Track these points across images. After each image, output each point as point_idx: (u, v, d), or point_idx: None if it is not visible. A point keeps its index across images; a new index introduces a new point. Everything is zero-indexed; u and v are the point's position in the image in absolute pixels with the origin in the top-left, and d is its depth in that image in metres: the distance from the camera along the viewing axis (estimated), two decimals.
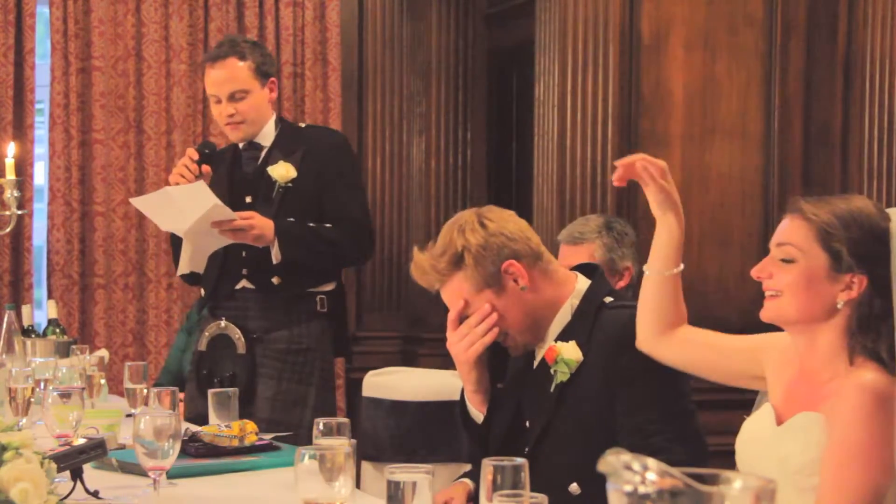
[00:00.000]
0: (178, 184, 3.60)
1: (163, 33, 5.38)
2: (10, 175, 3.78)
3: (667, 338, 2.35)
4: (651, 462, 1.02)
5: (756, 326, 2.26)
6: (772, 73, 4.22)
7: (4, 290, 5.18)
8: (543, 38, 4.28)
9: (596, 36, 4.12)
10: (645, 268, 2.37)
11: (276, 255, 3.64)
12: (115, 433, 2.75)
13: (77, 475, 2.22)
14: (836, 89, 4.23)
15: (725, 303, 4.10)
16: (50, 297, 5.17)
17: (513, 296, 2.51)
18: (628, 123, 4.14)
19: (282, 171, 3.72)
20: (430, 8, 5.46)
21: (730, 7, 4.19)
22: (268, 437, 2.88)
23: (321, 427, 2.36)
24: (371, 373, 4.11)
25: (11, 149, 3.85)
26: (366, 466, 3.96)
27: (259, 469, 2.63)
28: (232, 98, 3.76)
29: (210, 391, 2.98)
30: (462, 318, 2.53)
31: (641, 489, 1.01)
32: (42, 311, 5.20)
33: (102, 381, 3.39)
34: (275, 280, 3.71)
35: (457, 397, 2.70)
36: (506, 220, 2.54)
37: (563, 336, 2.50)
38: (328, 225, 3.71)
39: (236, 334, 3.75)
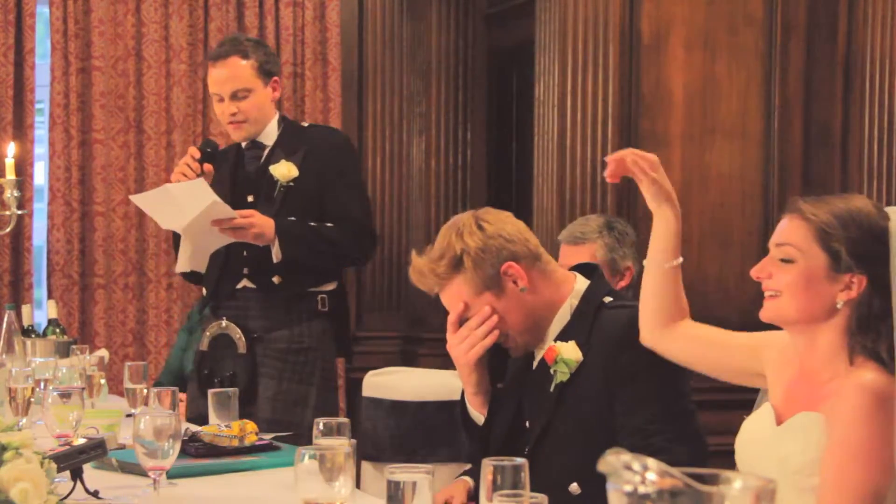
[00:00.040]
0: (178, 182, 3.60)
1: (163, 33, 5.38)
2: (10, 175, 3.78)
3: (669, 331, 2.35)
4: (651, 462, 1.02)
5: (756, 326, 2.26)
6: (772, 73, 4.22)
7: (4, 290, 5.17)
8: (543, 38, 4.28)
9: (596, 36, 4.12)
10: (644, 262, 2.37)
11: (276, 254, 3.64)
12: (115, 433, 2.75)
13: (77, 475, 2.22)
14: (836, 89, 4.23)
15: (725, 303, 4.09)
16: (50, 297, 5.17)
17: (512, 297, 2.50)
18: (628, 123, 4.14)
19: (283, 171, 3.72)
20: (430, 8, 5.46)
21: (730, 7, 4.19)
22: (268, 437, 2.88)
23: (321, 427, 2.36)
24: (371, 373, 4.10)
25: (11, 149, 3.85)
26: (366, 466, 3.96)
27: (259, 469, 2.63)
28: (234, 97, 3.76)
29: (210, 391, 2.97)
30: (462, 321, 2.53)
31: (641, 489, 1.01)
32: (42, 311, 5.20)
33: (102, 381, 3.40)
34: (275, 279, 3.71)
35: (457, 397, 2.70)
36: (503, 222, 2.54)
37: (563, 336, 2.50)
38: (329, 224, 3.71)
39: (237, 334, 3.75)
